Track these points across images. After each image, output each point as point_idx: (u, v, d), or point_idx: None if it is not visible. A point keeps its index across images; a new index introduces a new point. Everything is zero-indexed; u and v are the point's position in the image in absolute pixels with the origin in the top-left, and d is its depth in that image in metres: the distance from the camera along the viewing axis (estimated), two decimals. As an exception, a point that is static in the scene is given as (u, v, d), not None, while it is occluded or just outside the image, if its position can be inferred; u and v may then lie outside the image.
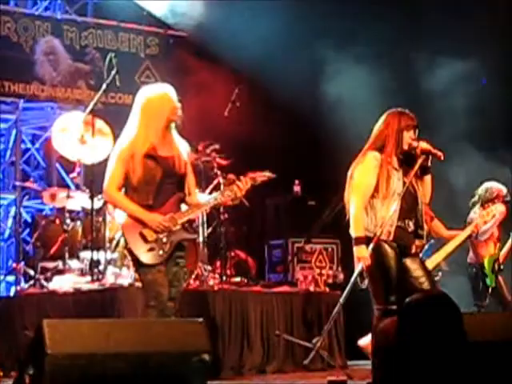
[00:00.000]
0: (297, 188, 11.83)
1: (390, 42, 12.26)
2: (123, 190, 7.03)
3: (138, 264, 6.90)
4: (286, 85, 11.90)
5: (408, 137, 7.21)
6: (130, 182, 6.89)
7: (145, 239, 6.81)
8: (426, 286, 7.19)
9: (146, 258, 6.83)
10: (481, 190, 10.08)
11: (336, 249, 11.42)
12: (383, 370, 4.42)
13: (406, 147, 7.17)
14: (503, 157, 11.18)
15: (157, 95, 7.15)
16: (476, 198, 10.08)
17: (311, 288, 10.66)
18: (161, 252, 6.83)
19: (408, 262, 7.22)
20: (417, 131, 7.25)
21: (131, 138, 6.99)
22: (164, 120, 7.02)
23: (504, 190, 10.10)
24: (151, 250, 6.82)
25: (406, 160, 7.21)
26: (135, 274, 7.44)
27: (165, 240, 6.83)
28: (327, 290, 10.75)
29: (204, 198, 7.43)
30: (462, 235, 9.09)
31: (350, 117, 11.55)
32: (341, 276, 11.19)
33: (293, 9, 12.25)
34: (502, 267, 10.03)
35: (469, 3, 12.85)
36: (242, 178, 7.28)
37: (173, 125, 7.07)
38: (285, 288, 10.58)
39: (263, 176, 7.65)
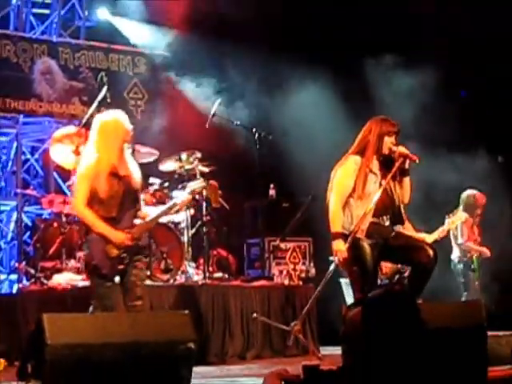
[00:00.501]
0: (272, 191, 11.75)
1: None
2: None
3: (95, 275, 6.95)
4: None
5: (389, 142, 7.13)
6: (96, 196, 6.88)
7: (107, 255, 6.84)
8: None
9: (106, 270, 6.87)
10: (462, 197, 10.12)
11: (308, 246, 11.28)
12: (352, 356, 4.07)
13: (386, 152, 7.11)
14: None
15: (111, 120, 7.15)
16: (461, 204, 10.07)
17: (286, 282, 10.59)
18: (120, 266, 6.88)
19: (391, 244, 7.20)
20: (398, 137, 7.20)
21: (94, 159, 7.00)
22: (120, 141, 7.03)
23: (482, 196, 10.19)
24: (112, 263, 6.86)
25: (386, 163, 7.16)
26: (90, 282, 7.31)
27: (124, 255, 6.91)
28: (300, 283, 10.65)
29: (151, 211, 7.52)
30: (430, 238, 8.67)
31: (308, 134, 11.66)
32: (312, 270, 11.00)
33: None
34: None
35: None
36: (183, 194, 7.70)
37: (126, 146, 7.14)
38: (262, 282, 10.43)
39: (199, 187, 8.14)
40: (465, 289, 10.16)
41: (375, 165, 7.16)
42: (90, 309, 6.91)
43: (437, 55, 12.42)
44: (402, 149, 7.10)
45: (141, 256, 7.11)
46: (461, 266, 10.18)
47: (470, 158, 11.32)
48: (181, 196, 7.73)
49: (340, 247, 6.93)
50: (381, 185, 7.07)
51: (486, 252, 10.15)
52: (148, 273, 8.70)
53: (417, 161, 7.23)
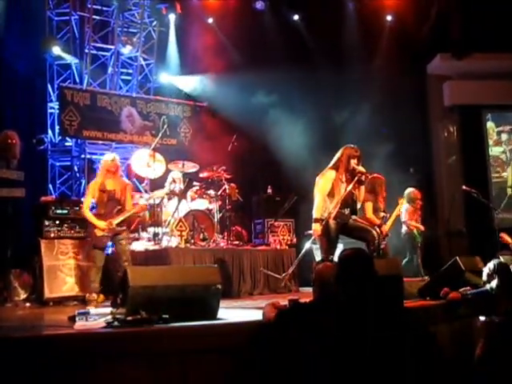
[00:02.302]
0: (269, 190, 11.63)
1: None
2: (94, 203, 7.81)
3: (92, 247, 7.61)
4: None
5: (353, 163, 7.13)
6: (95, 201, 7.71)
7: (95, 235, 7.53)
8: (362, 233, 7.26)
9: (96, 244, 7.57)
10: (406, 193, 9.85)
11: (292, 224, 10.97)
12: (319, 293, 4.45)
13: (351, 168, 7.11)
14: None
15: (104, 158, 7.97)
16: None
17: (278, 247, 10.36)
18: (104, 241, 7.65)
19: (348, 225, 7.22)
20: (360, 159, 7.18)
21: (94, 181, 7.84)
22: (104, 170, 7.75)
23: (418, 192, 9.94)
24: (99, 240, 7.55)
25: (351, 176, 7.14)
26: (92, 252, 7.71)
27: (106, 234, 7.55)
28: (287, 248, 10.35)
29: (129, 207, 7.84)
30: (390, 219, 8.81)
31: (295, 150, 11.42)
32: (294, 240, 10.73)
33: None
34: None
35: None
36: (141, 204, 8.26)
37: (113, 169, 7.72)
38: (263, 247, 10.28)
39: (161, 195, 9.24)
40: (410, 252, 9.75)
41: (343, 176, 7.18)
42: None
43: None
44: (360, 168, 7.13)
45: (121, 236, 7.66)
46: (406, 236, 9.81)
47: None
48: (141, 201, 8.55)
49: (317, 228, 6.99)
50: (346, 190, 7.10)
51: (420, 227, 9.75)
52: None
53: (367, 178, 7.29)
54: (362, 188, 7.34)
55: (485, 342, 5.08)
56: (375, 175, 8.59)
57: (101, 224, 7.45)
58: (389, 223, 8.72)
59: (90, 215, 7.53)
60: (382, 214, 8.65)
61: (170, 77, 12.78)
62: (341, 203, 7.08)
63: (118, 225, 7.61)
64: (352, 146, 7.32)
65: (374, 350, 3.60)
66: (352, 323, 3.67)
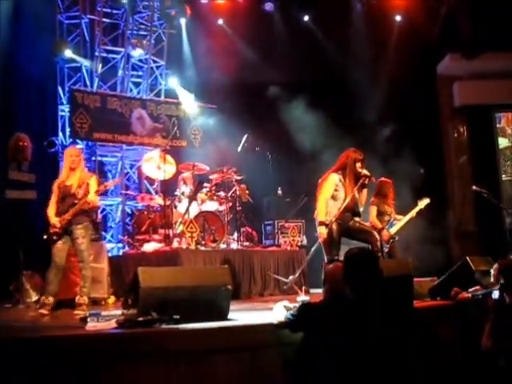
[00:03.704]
0: (279, 191, 11.62)
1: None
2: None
3: (48, 240, 7.00)
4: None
5: (357, 166, 7.20)
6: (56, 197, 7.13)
7: (50, 232, 6.98)
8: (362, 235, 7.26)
9: (51, 237, 6.96)
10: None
11: (302, 225, 10.91)
12: (328, 293, 4.48)
13: (356, 172, 7.17)
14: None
15: (67, 154, 7.35)
16: None
17: (288, 248, 10.49)
18: (54, 237, 6.96)
19: (350, 227, 7.23)
20: (363, 163, 7.24)
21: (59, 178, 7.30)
22: (68, 167, 7.24)
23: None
24: (53, 234, 6.95)
25: (355, 179, 7.19)
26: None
27: (57, 231, 6.94)
28: (297, 249, 10.49)
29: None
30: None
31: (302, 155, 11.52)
32: (304, 241, 10.72)
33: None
34: None
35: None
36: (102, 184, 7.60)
37: (74, 166, 7.20)
38: (274, 248, 10.40)
39: (112, 183, 8.61)
40: None
41: (347, 179, 7.20)
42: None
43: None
44: (365, 171, 7.20)
45: (77, 233, 7.03)
46: None
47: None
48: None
49: (322, 231, 7.05)
50: (352, 192, 7.12)
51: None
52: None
53: (373, 180, 7.43)
54: (365, 191, 7.37)
55: (494, 320, 5.05)
56: (382, 179, 8.63)
57: (52, 220, 7.01)
58: (398, 225, 8.61)
59: (48, 213, 7.07)
60: (387, 218, 8.66)
61: (177, 84, 12.75)
62: (346, 206, 7.10)
63: (74, 220, 7.05)
64: (355, 149, 7.35)
65: (380, 349, 3.62)
66: (358, 322, 3.68)
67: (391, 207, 8.80)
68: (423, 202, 8.67)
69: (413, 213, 8.68)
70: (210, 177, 10.45)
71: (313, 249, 7.70)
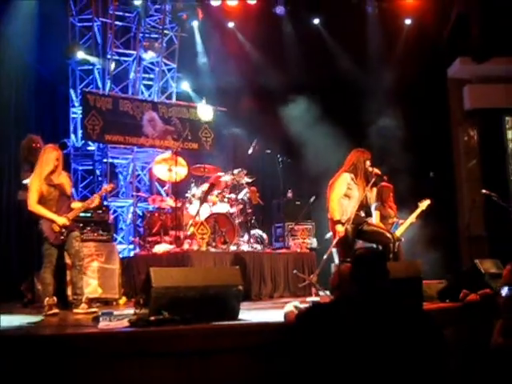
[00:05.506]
0: (290, 194, 11.63)
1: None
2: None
3: (46, 242, 6.89)
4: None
5: (367, 164, 7.33)
6: (42, 198, 6.93)
7: (53, 230, 6.87)
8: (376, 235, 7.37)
9: (52, 239, 6.88)
10: None
11: (312, 227, 11.01)
12: (338, 293, 4.55)
13: (368, 171, 7.29)
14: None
15: (53, 151, 7.12)
16: None
17: (298, 250, 10.46)
18: (62, 237, 6.92)
19: (364, 229, 7.33)
20: (372, 162, 7.37)
21: (38, 173, 7.01)
22: (52, 165, 7.03)
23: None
24: (56, 236, 6.88)
25: (366, 178, 7.32)
26: (43, 247, 6.92)
27: (63, 231, 6.91)
28: (307, 251, 10.44)
29: (78, 204, 7.30)
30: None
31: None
32: (314, 243, 10.83)
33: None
34: None
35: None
36: (94, 195, 7.49)
37: (57, 163, 7.07)
38: (284, 250, 10.42)
39: (104, 191, 8.03)
40: None
41: (359, 178, 7.31)
42: (43, 263, 6.89)
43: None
44: (376, 170, 7.33)
45: (75, 233, 7.07)
46: None
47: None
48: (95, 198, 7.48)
49: (340, 229, 7.11)
50: (364, 191, 7.26)
51: None
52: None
53: (385, 178, 7.54)
54: (375, 190, 7.53)
55: (505, 318, 5.04)
56: (383, 184, 8.68)
57: (61, 219, 6.91)
58: (402, 228, 8.71)
59: (43, 209, 6.88)
60: (390, 221, 8.77)
61: (189, 87, 12.98)
62: (359, 206, 7.23)
63: (73, 220, 7.13)
64: (363, 148, 7.49)
65: (387, 351, 3.61)
66: (365, 322, 3.69)
67: (394, 210, 8.95)
68: (424, 204, 8.77)
69: (414, 215, 8.80)
70: (221, 179, 10.44)
71: (330, 248, 7.70)
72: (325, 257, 7.68)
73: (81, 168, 12.09)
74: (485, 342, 5.03)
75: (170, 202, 10.32)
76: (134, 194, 11.94)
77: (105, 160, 11.86)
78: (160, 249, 9.46)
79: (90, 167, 12.05)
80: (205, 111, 12.34)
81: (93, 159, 12.00)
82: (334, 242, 7.33)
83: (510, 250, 9.63)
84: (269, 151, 11.33)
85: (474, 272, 6.89)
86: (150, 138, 11.98)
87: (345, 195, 7.27)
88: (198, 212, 9.62)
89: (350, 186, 7.29)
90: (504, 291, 5.18)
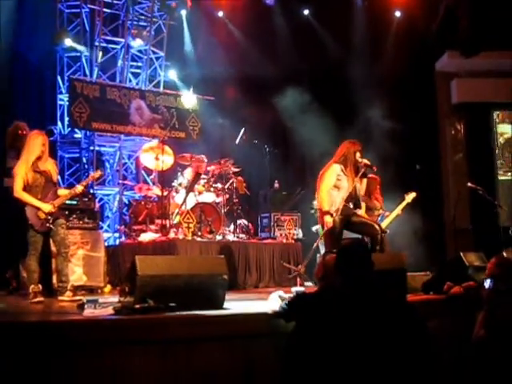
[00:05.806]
0: (276, 185, 11.61)
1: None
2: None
3: (31, 229, 6.85)
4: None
5: (358, 156, 7.34)
6: (27, 185, 6.85)
7: (39, 217, 6.82)
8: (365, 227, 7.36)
9: (37, 227, 6.84)
10: None
11: (298, 218, 10.96)
12: (323, 284, 4.56)
13: (357, 162, 7.31)
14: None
15: (39, 137, 7.01)
16: None
17: (284, 240, 10.48)
18: (47, 224, 6.86)
19: (352, 220, 7.35)
20: (362, 153, 7.38)
21: (25, 160, 6.93)
22: (39, 151, 6.95)
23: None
24: (42, 223, 6.84)
25: (356, 169, 7.34)
26: (28, 234, 6.83)
27: (49, 218, 6.86)
28: (293, 242, 10.46)
29: (64, 191, 7.28)
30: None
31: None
32: (300, 234, 10.79)
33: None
34: None
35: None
36: (81, 183, 7.44)
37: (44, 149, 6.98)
38: (269, 241, 10.41)
39: (91, 178, 7.93)
40: None
41: (348, 170, 7.32)
42: (29, 250, 6.84)
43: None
44: (365, 160, 7.34)
45: (61, 221, 7.01)
46: None
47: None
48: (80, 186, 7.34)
49: (328, 220, 7.13)
50: (353, 182, 7.27)
51: None
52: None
53: (375, 169, 7.53)
54: (365, 181, 7.54)
55: (488, 310, 5.09)
56: (370, 176, 8.74)
57: (47, 207, 6.86)
58: (388, 220, 8.83)
59: (28, 196, 6.82)
60: (376, 213, 8.85)
61: (176, 76, 13.04)
62: (348, 197, 7.26)
63: (59, 207, 7.09)
64: (354, 140, 7.50)
65: (372, 342, 3.62)
66: (348, 313, 3.70)
67: (380, 202, 9.03)
68: (410, 196, 8.91)
69: (400, 207, 8.94)
70: (208, 168, 10.46)
71: (318, 240, 7.75)
72: (313, 247, 7.70)
73: (67, 156, 12.08)
74: (468, 335, 5.06)
75: (156, 191, 10.33)
76: (121, 182, 11.94)
77: (91, 148, 11.86)
78: (146, 237, 9.44)
79: (77, 155, 12.04)
80: (188, 99, 12.42)
81: (79, 147, 11.98)
82: (323, 232, 7.38)
83: (494, 243, 9.75)
84: (256, 141, 11.34)
85: (457, 264, 6.92)
86: (137, 126, 11.98)
87: (334, 186, 7.29)
88: (184, 201, 9.61)
89: (340, 177, 7.31)
90: (487, 284, 5.20)
